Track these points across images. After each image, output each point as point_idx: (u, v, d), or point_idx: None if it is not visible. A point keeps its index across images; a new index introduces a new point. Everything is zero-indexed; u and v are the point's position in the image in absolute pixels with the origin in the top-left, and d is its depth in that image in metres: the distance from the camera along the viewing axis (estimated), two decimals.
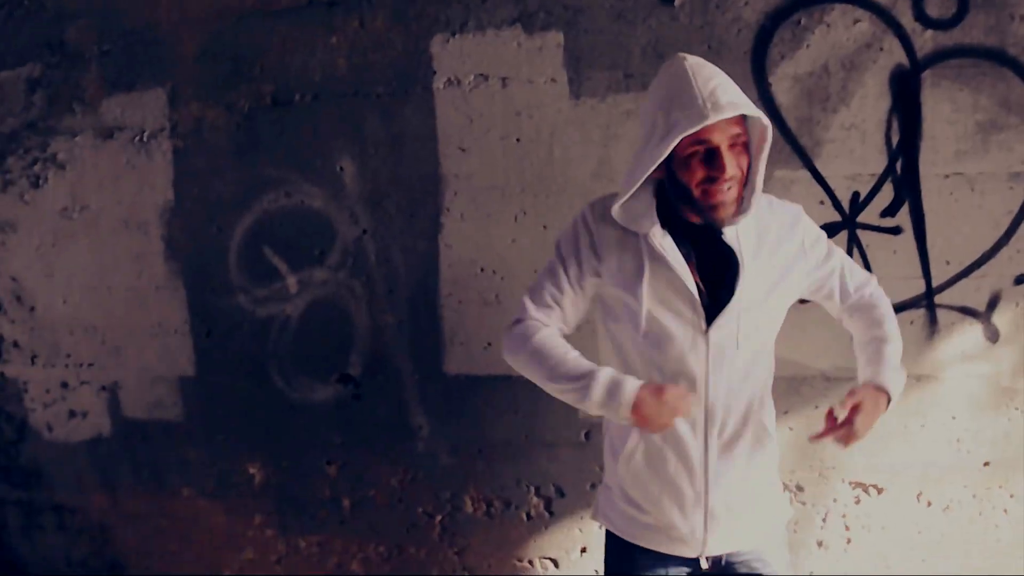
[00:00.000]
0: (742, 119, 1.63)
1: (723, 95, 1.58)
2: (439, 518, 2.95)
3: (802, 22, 2.46)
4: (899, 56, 2.43)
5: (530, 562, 2.91)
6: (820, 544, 2.68)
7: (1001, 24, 2.37)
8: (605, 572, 2.02)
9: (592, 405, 1.71)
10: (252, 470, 3.08)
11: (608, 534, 1.98)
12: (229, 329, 3.01)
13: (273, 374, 2.99)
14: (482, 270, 2.75)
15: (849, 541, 2.66)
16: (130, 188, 3.05)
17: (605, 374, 1.71)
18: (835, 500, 2.66)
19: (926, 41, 2.41)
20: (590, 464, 2.76)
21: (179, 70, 2.94)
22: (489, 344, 2.77)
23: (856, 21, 2.43)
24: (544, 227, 2.68)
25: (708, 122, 1.54)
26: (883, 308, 1.95)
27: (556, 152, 2.65)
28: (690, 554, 1.85)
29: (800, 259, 1.80)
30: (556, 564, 2.89)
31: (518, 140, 2.67)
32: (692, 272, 1.72)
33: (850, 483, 2.64)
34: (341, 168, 2.82)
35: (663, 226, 1.73)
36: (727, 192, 1.63)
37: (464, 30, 2.67)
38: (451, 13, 2.67)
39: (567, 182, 2.64)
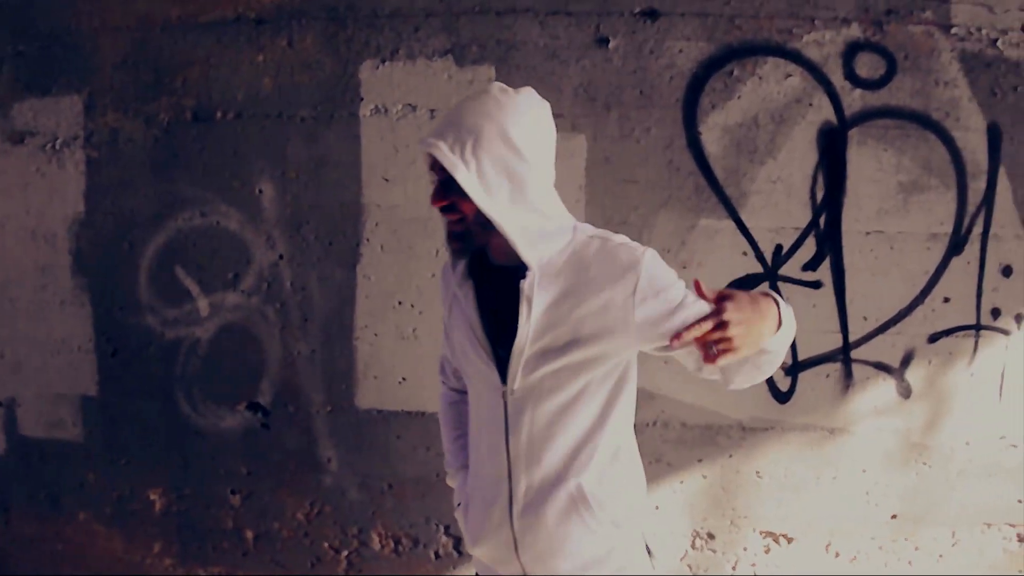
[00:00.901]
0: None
1: (441, 127, 1.49)
2: (345, 553, 2.87)
3: (734, 73, 2.47)
4: (828, 113, 2.46)
5: None
6: None
7: (926, 88, 2.42)
8: None
9: None
10: (153, 496, 2.96)
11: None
12: (136, 349, 2.88)
13: (179, 398, 2.88)
14: (400, 303, 2.69)
15: None
16: (39, 197, 2.91)
17: (451, 477, 1.96)
18: (745, 549, 2.66)
19: (854, 100, 2.44)
20: None
21: (97, 78, 2.82)
22: (404, 379, 2.71)
23: (788, 75, 2.45)
24: None
25: (420, 147, 1.50)
26: None
27: None
28: None
29: (627, 308, 1.52)
30: None
31: None
32: (490, 320, 1.64)
33: (760, 532, 2.64)
34: (260, 190, 2.73)
35: (474, 274, 1.67)
36: (453, 225, 1.56)
37: (395, 58, 2.61)
38: (382, 40, 2.61)
39: None
